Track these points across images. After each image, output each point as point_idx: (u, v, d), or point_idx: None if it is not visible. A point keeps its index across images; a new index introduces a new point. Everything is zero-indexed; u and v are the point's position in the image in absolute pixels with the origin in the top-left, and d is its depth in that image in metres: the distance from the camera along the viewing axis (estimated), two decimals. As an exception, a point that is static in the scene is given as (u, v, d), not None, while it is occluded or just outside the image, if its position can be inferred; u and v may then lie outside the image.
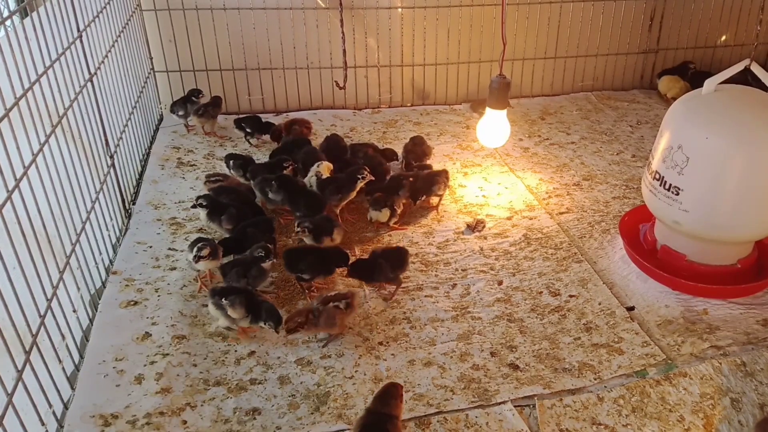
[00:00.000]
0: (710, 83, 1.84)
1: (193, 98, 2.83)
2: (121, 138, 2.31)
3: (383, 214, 2.17)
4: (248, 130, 2.78)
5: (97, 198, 1.95)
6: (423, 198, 2.30)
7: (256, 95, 3.12)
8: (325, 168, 2.26)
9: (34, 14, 1.65)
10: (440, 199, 2.37)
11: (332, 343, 1.73)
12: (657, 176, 1.88)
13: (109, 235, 2.05)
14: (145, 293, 1.89)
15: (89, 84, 2.00)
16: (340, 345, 1.72)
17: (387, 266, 1.90)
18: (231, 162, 2.44)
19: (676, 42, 3.47)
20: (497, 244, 2.17)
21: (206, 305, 1.82)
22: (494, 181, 2.58)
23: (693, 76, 3.28)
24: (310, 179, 2.26)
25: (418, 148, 2.60)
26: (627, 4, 3.29)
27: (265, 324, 1.70)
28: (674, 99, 2.86)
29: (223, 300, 1.69)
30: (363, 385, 1.60)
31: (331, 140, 2.61)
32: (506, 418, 1.51)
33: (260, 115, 2.87)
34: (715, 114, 1.80)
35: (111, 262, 2.03)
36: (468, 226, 2.26)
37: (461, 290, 1.95)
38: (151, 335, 1.74)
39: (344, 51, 3.01)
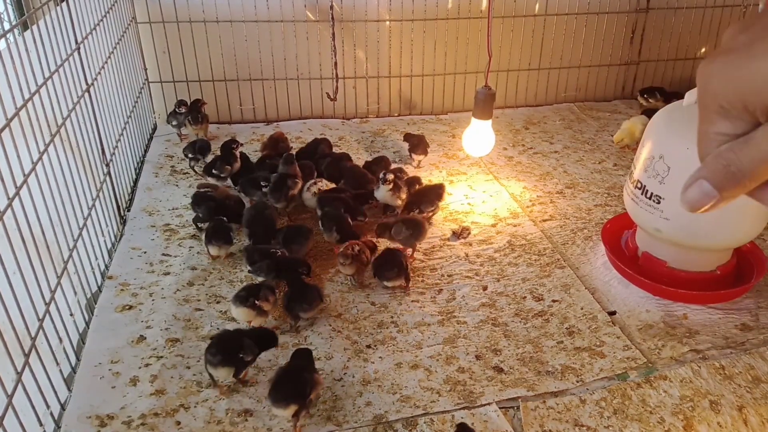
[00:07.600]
0: (691, 95, 1.79)
1: (177, 110, 2.86)
2: (116, 147, 2.34)
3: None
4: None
5: (93, 205, 1.98)
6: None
7: (248, 105, 3.15)
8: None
9: (34, 27, 1.69)
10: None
11: (321, 346, 1.76)
12: (639, 185, 1.90)
13: (104, 241, 2.08)
14: (140, 297, 1.92)
15: (86, 94, 2.03)
16: (329, 348, 1.75)
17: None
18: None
19: (657, 54, 3.54)
20: (482, 251, 2.21)
21: (199, 309, 1.87)
22: (479, 189, 2.62)
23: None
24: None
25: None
26: (609, 17, 3.36)
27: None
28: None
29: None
30: (351, 387, 1.63)
31: (312, 144, 2.69)
32: (491, 420, 1.54)
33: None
34: (695, 125, 1.79)
35: (107, 267, 2.05)
36: (453, 233, 2.30)
37: (447, 295, 1.99)
38: (145, 338, 1.77)
39: (335, 63, 3.06)
